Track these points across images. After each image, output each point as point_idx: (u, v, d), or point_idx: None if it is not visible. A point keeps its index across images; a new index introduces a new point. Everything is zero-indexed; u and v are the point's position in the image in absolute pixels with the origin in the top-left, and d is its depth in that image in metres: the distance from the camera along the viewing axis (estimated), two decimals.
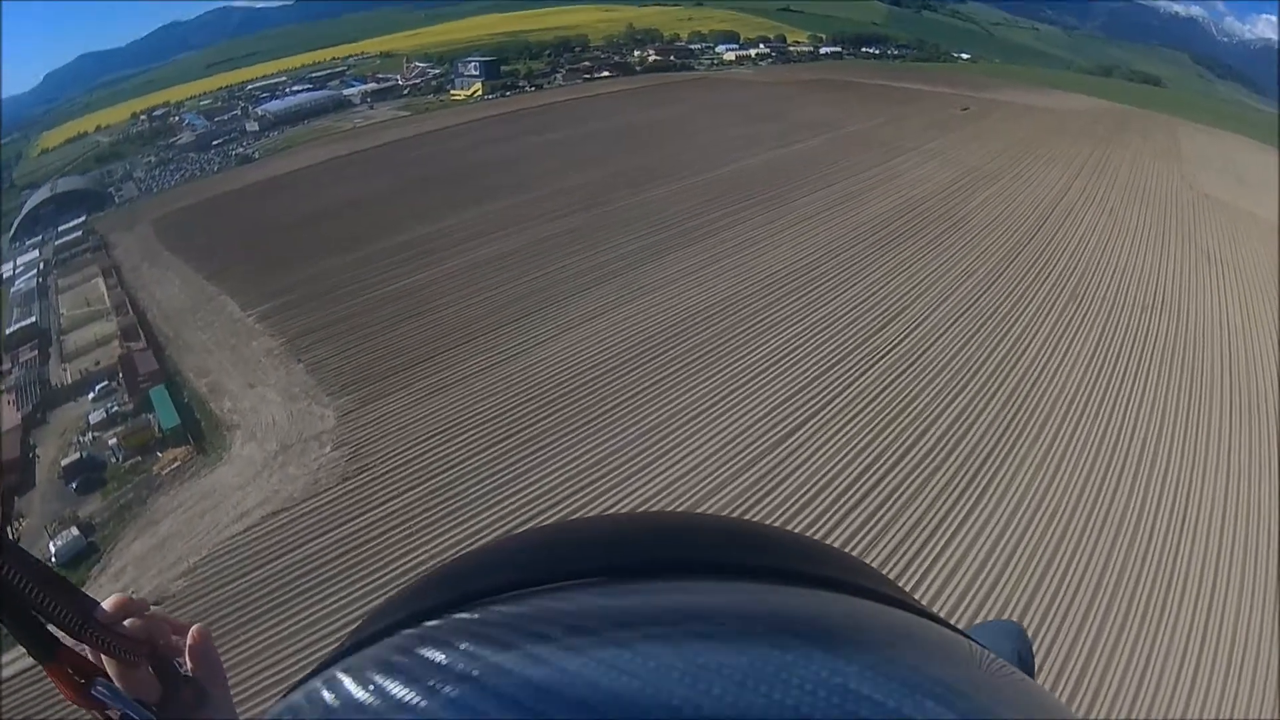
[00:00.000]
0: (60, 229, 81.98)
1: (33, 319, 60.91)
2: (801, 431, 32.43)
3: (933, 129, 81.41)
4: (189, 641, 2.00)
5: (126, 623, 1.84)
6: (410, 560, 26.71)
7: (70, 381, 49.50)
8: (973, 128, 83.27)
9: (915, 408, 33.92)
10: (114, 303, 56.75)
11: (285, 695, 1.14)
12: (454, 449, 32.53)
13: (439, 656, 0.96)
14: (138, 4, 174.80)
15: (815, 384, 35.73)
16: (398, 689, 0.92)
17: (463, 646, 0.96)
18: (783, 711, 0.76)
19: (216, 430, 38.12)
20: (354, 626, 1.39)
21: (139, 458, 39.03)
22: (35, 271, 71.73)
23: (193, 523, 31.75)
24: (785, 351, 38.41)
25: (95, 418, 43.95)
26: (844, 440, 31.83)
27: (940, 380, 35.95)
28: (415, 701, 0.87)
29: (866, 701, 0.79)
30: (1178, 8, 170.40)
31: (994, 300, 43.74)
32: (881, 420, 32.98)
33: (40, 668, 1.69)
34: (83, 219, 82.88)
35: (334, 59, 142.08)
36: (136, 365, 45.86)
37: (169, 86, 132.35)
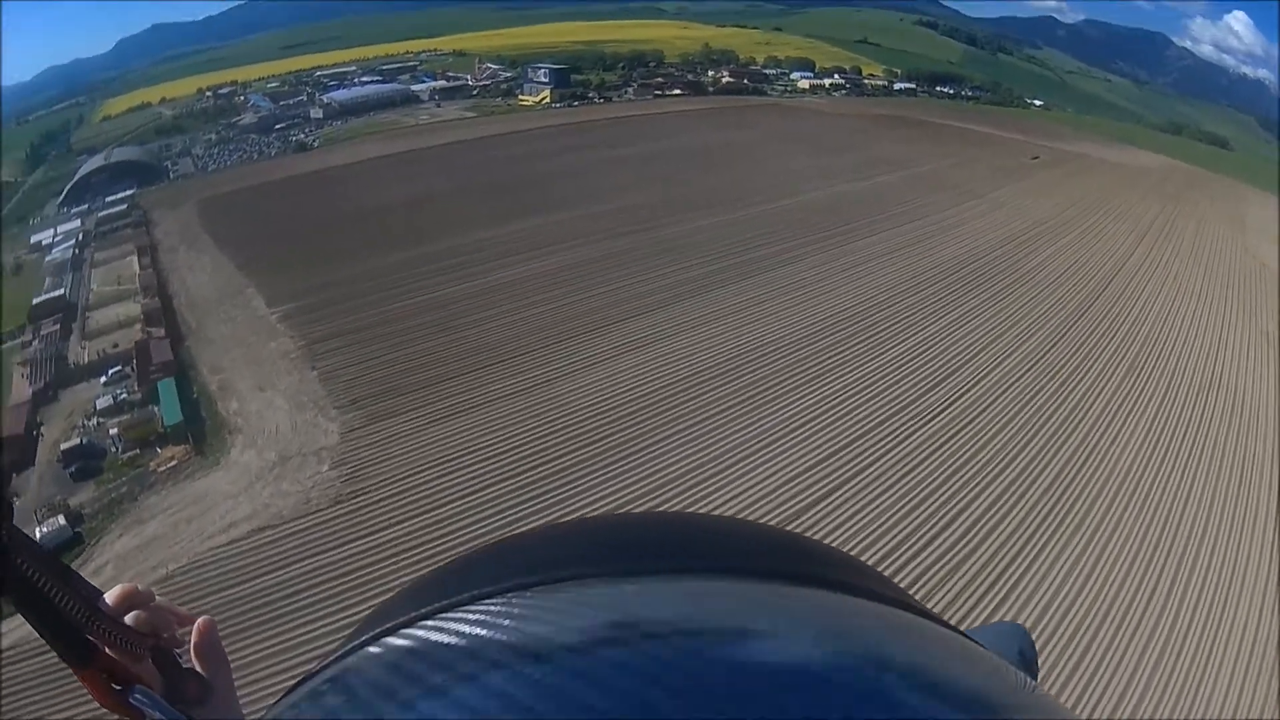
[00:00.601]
0: (108, 199, 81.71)
1: (61, 291, 60.11)
2: (839, 494, 30.69)
3: (1003, 175, 79.64)
4: (194, 634, 2.03)
5: (131, 614, 1.86)
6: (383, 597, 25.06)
7: (87, 361, 48.59)
8: (1043, 177, 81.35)
9: (958, 480, 31.90)
10: (144, 284, 55.87)
11: (289, 692, 1.18)
12: (460, 480, 31.01)
13: (440, 655, 0.98)
14: None
15: (858, 443, 33.83)
16: (399, 687, 0.94)
17: (463, 645, 0.97)
18: (785, 711, 0.77)
19: (219, 432, 36.98)
20: (355, 626, 1.32)
21: (138, 451, 37.98)
22: (74, 242, 71.14)
23: (179, 528, 30.66)
24: (834, 402, 36.59)
25: (102, 403, 42.99)
26: (880, 509, 29.99)
27: (987, 452, 33.90)
28: (416, 700, 0.89)
29: (868, 701, 0.81)
30: (1245, 69, 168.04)
31: (1052, 366, 41.71)
32: (921, 491, 31.03)
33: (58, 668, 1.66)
34: (132, 191, 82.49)
35: (407, 52, 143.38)
36: (151, 354, 44.86)
37: (239, 65, 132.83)
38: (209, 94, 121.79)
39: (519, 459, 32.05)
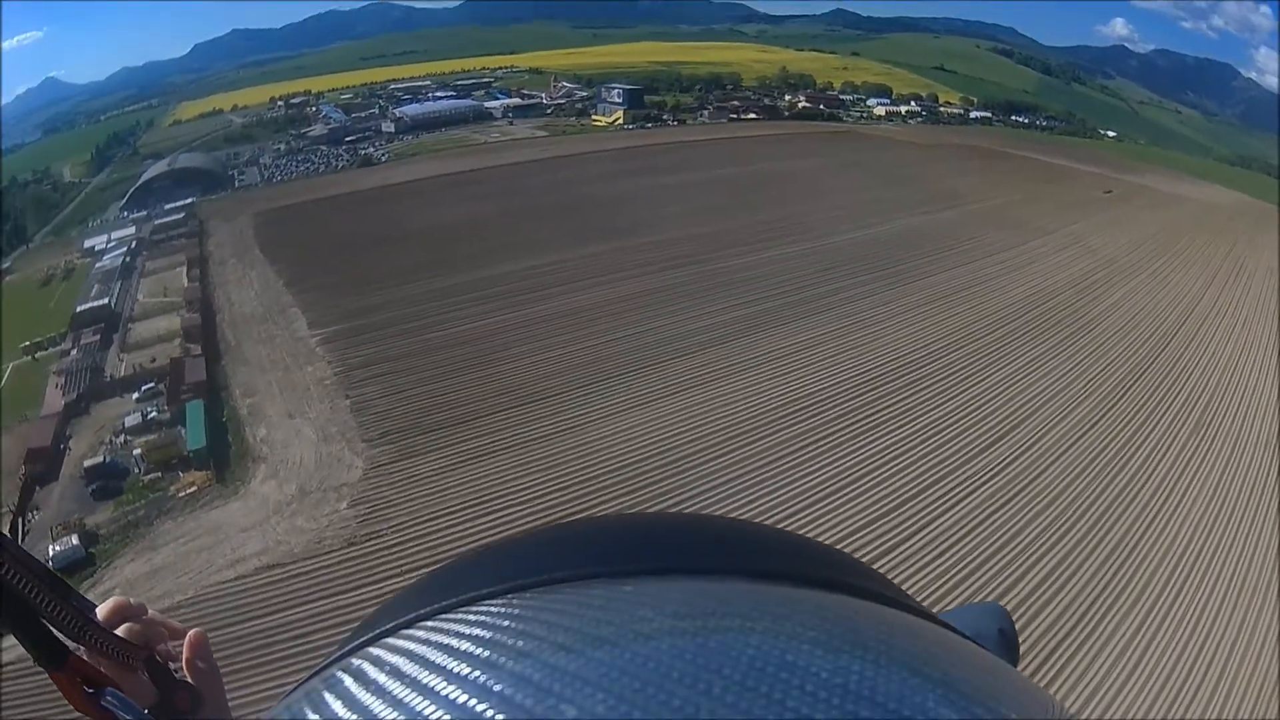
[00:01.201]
0: (167, 207, 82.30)
1: (106, 300, 60.14)
2: (889, 559, 29.05)
3: (1074, 210, 77.75)
4: (186, 647, 2.06)
5: (124, 627, 1.92)
6: None
7: (123, 374, 48.35)
8: (1114, 213, 79.45)
9: (1011, 550, 30.25)
10: (189, 297, 55.72)
11: (286, 695, 1.17)
12: (479, 530, 29.81)
13: (439, 657, 0.98)
14: None
15: (910, 504, 32.21)
16: (398, 689, 0.94)
17: (463, 647, 0.98)
18: (782, 711, 0.78)
19: (242, 460, 36.50)
20: (355, 626, 1.36)
21: (159, 474, 37.60)
22: (126, 249, 71.34)
23: (189, 558, 30.32)
24: (879, 462, 34.80)
25: (131, 421, 42.59)
26: (929, 579, 28.51)
27: (1044, 519, 32.07)
28: (416, 701, 0.89)
29: (866, 701, 0.81)
30: None
31: (1115, 423, 39.67)
32: (971, 562, 29.47)
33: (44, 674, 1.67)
34: (192, 200, 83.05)
35: (484, 68, 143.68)
36: (184, 373, 44.63)
37: (315, 75, 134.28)
38: (281, 103, 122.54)
39: (546, 509, 30.93)
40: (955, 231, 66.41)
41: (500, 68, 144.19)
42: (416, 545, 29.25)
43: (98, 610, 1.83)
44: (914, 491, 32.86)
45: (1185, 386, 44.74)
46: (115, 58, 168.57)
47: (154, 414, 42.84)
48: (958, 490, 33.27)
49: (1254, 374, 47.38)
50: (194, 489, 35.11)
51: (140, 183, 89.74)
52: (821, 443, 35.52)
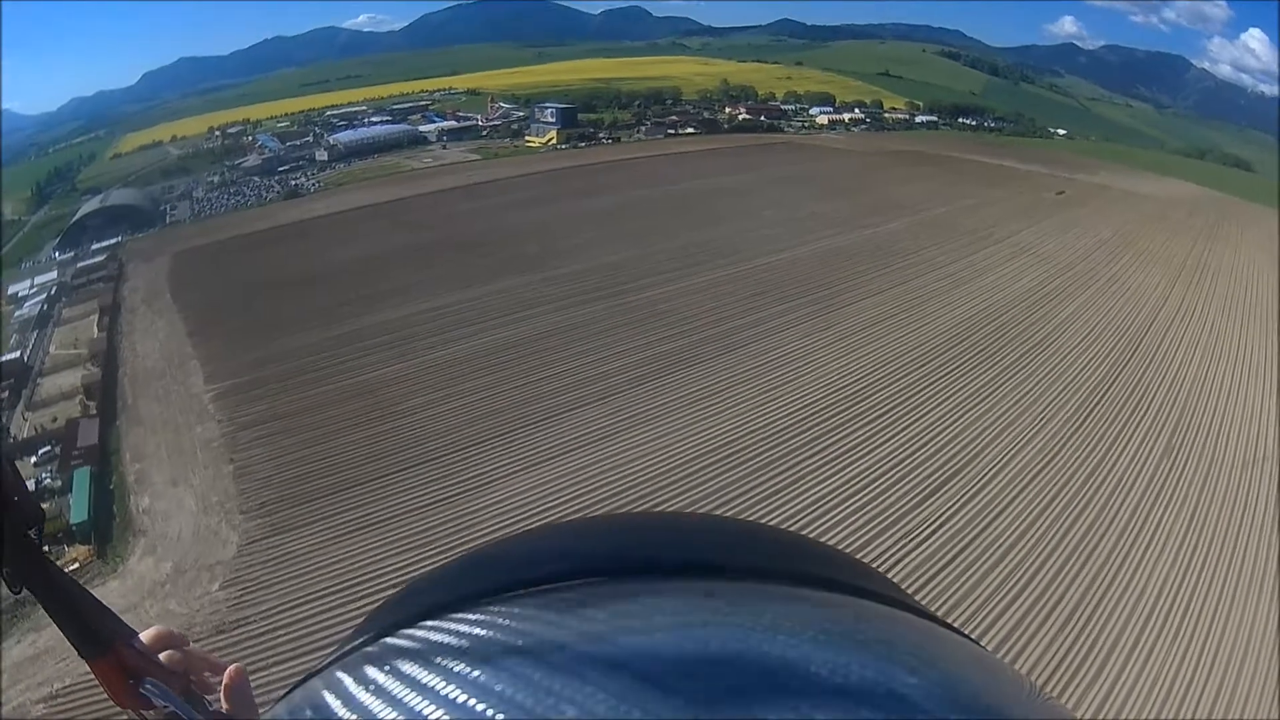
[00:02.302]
0: (94, 247, 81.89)
1: (18, 353, 59.30)
2: None
3: (1024, 216, 77.50)
4: (225, 680, 2.18)
5: (164, 655, 2.11)
6: None
7: (25, 435, 47.51)
8: (1068, 215, 79.58)
9: (968, 607, 29.21)
10: (94, 350, 54.87)
11: (286, 694, 1.22)
12: (350, 616, 27.96)
13: (439, 657, 1.00)
14: (243, 12, 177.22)
15: None
16: (398, 689, 0.96)
17: (463, 646, 1.00)
18: (782, 710, 0.79)
19: (124, 534, 35.55)
20: (354, 626, 1.39)
21: (46, 548, 35.79)
22: (45, 296, 70.79)
23: (54, 649, 29.12)
24: (808, 519, 33.33)
25: None
26: None
27: (995, 577, 30.82)
28: (416, 700, 0.91)
29: (866, 699, 0.83)
30: (1263, 88, 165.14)
31: (1075, 455, 38.56)
32: None
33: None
34: (117, 240, 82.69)
35: (422, 91, 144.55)
36: (77, 436, 43.86)
37: (260, 101, 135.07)
38: (219, 133, 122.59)
39: None
40: (896, 245, 65.92)
41: (438, 90, 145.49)
42: (284, 633, 28.27)
43: (141, 636, 2.01)
44: (847, 552, 31.52)
45: (1152, 404, 44.05)
46: (67, 88, 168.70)
47: (47, 479, 42.07)
48: (895, 548, 32.00)
49: (1224, 384, 47.09)
50: (76, 566, 34.17)
51: (74, 220, 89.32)
52: (741, 498, 34.37)
